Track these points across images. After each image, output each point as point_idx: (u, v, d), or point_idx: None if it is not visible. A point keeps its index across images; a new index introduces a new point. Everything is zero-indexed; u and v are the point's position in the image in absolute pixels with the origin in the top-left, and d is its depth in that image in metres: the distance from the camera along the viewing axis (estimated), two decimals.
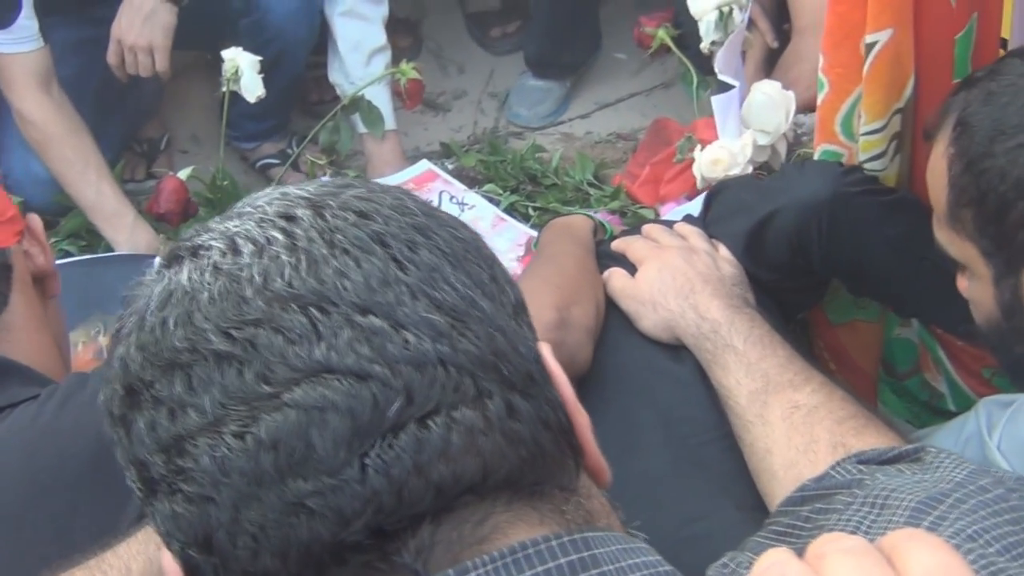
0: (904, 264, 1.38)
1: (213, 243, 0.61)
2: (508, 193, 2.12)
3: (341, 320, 0.57)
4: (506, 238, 2.02)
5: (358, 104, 2.14)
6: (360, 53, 2.15)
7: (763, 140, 1.61)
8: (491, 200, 2.09)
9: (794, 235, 1.35)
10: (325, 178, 0.67)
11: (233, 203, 1.83)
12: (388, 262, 0.59)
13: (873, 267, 1.39)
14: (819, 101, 1.40)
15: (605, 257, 1.41)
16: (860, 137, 1.36)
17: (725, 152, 1.64)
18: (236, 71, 1.91)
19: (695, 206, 1.79)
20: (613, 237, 1.46)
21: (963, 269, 1.16)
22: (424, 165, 2.19)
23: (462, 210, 2.09)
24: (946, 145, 1.11)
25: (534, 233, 2.00)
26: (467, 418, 0.56)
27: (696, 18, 1.72)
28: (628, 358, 1.30)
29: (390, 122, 2.19)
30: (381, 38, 2.19)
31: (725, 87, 1.68)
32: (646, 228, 1.43)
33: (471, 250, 0.63)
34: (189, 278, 0.59)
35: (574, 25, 2.47)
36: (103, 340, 1.57)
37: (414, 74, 2.15)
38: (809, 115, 1.70)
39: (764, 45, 2.02)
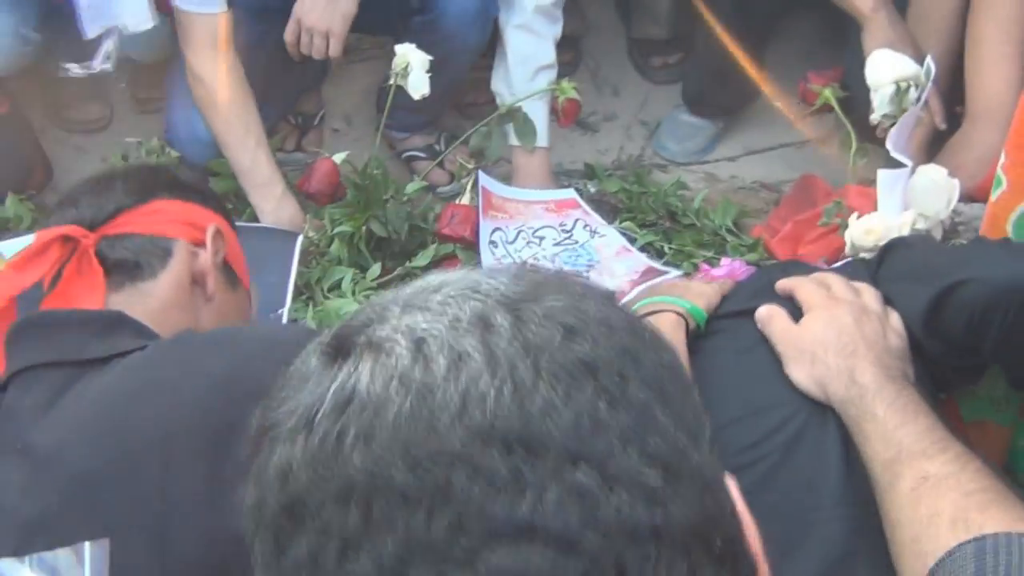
0: None
1: (397, 343, 0.53)
2: (645, 231, 2.12)
3: (549, 472, 0.49)
4: (626, 265, 2.03)
5: (515, 115, 2.16)
6: (527, 68, 2.17)
7: (921, 224, 1.59)
8: (627, 236, 2.09)
9: (978, 312, 1.27)
10: (510, 266, 0.59)
11: (382, 193, 1.87)
12: (599, 398, 0.52)
13: None
14: (993, 198, 1.38)
15: (764, 293, 1.39)
16: None
17: (882, 225, 1.61)
18: (406, 67, 1.95)
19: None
20: (705, 324, 1.39)
21: None
22: (570, 192, 2.21)
23: (592, 236, 2.10)
24: None
25: (655, 263, 1.99)
26: None
27: (871, 88, 1.70)
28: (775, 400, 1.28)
29: (543, 139, 2.21)
30: (550, 56, 2.21)
31: (890, 162, 1.67)
32: (821, 275, 1.37)
33: (675, 379, 0.56)
34: (370, 385, 0.52)
35: (738, 67, 2.46)
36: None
37: (573, 93, 2.17)
38: (970, 205, 1.67)
39: (932, 125, 1.99)
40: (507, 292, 0.55)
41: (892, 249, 1.43)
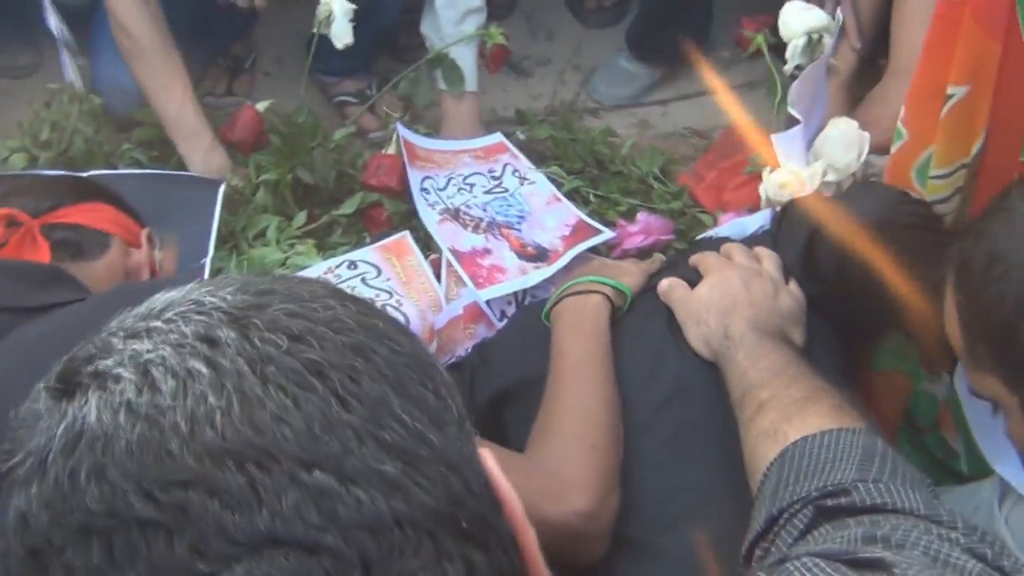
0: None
1: (123, 372, 0.53)
2: (572, 177, 2.14)
3: (285, 479, 0.50)
4: (556, 216, 2.04)
5: (442, 60, 2.16)
6: (455, 11, 2.15)
7: (832, 176, 1.62)
8: (554, 181, 2.11)
9: (840, 250, 1.36)
10: (235, 278, 0.59)
11: (309, 141, 1.88)
12: (329, 399, 0.52)
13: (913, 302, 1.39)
14: (893, 149, 1.41)
15: (678, 266, 1.45)
16: (928, 180, 1.38)
17: (794, 178, 1.64)
18: (329, 15, 1.94)
19: (755, 220, 1.81)
20: (632, 303, 1.47)
21: (999, 409, 1.17)
22: (497, 137, 2.21)
23: (521, 184, 2.11)
24: (952, 292, 1.14)
25: (584, 217, 2.02)
26: None
27: (785, 40, 1.72)
28: (687, 370, 1.33)
29: (472, 84, 2.20)
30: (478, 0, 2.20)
31: (792, 120, 1.69)
32: (726, 246, 1.46)
33: (412, 366, 0.57)
34: (99, 418, 0.52)
35: (684, 14, 2.45)
36: (158, 255, 1.62)
37: (500, 39, 2.17)
38: (881, 157, 1.69)
39: (848, 74, 2.01)
40: (232, 305, 0.55)
41: (785, 210, 1.52)
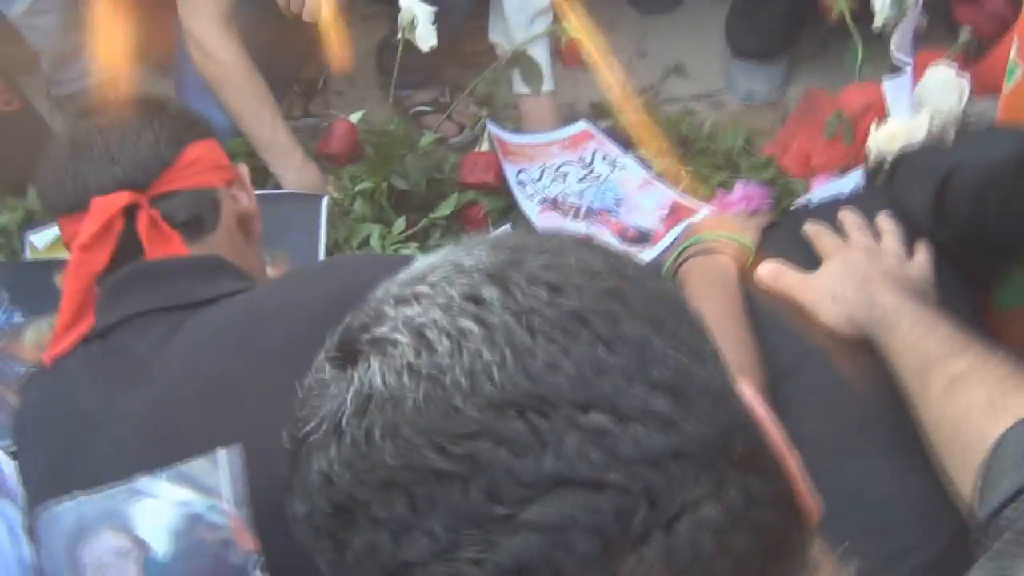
0: None
1: (399, 337, 0.56)
2: (660, 159, 2.15)
3: (564, 423, 0.53)
4: (651, 198, 2.06)
5: (521, 60, 2.19)
6: (525, 14, 2.18)
7: (938, 120, 1.63)
8: (643, 164, 2.13)
9: (974, 194, 1.36)
10: (483, 240, 0.62)
11: (400, 148, 1.89)
12: (595, 344, 0.55)
13: None
14: (1008, 86, 1.42)
15: (786, 239, 1.45)
16: None
17: (904, 128, 1.65)
18: (412, 20, 1.97)
19: (849, 181, 1.82)
20: (757, 261, 1.45)
21: None
22: (581, 125, 2.24)
23: (613, 169, 2.13)
24: None
25: (679, 197, 2.04)
26: (712, 516, 0.53)
27: None
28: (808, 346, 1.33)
29: (549, 82, 2.23)
30: (545, 0, 2.23)
31: (891, 68, 1.70)
32: (843, 217, 1.44)
33: (666, 304, 0.59)
34: (384, 381, 0.55)
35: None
36: (270, 271, 1.66)
37: (576, 33, 2.19)
38: (982, 99, 1.70)
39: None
40: (489, 264, 0.58)
41: (899, 163, 1.52)
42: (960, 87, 1.66)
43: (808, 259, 1.41)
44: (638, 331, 0.56)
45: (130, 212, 1.25)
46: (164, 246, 1.25)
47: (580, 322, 0.55)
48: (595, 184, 2.10)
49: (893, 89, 1.65)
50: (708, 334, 0.61)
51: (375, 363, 0.56)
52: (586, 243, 0.62)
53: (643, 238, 1.95)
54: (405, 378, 0.55)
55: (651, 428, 0.53)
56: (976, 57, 1.86)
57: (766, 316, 1.39)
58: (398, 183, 2.09)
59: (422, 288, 0.58)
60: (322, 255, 1.93)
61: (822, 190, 1.91)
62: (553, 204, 2.03)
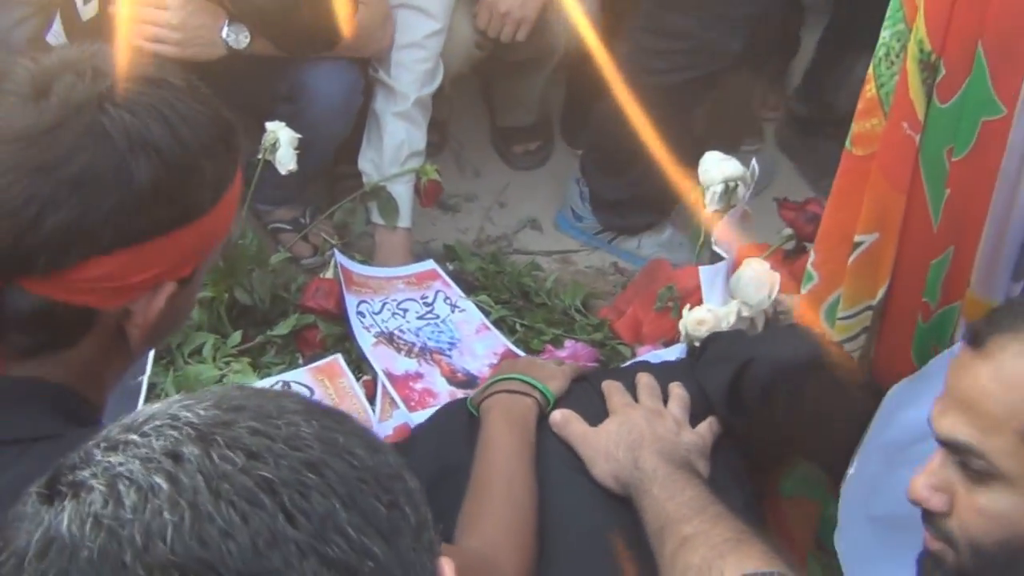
0: (855, 443, 1.49)
1: (95, 484, 0.59)
2: (499, 306, 2.24)
3: None
4: (485, 344, 2.14)
5: (379, 193, 2.27)
6: (400, 152, 2.28)
7: (746, 312, 1.74)
8: (483, 309, 2.21)
9: (766, 386, 1.48)
10: (216, 392, 0.65)
11: (249, 263, 1.89)
12: (277, 515, 0.57)
13: (826, 437, 1.50)
14: (804, 290, 1.54)
15: (583, 392, 1.54)
16: (836, 321, 1.50)
17: (711, 316, 1.76)
18: (275, 143, 2.03)
19: (671, 352, 1.92)
20: (557, 404, 1.55)
21: (984, 482, 1.07)
22: (429, 264, 2.31)
23: (452, 311, 2.20)
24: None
25: (512, 347, 2.12)
26: None
27: (704, 187, 1.86)
28: (580, 498, 1.41)
29: (406, 219, 2.32)
30: (423, 143, 2.33)
31: (717, 257, 1.82)
32: (639, 377, 1.55)
33: (367, 479, 0.61)
34: (69, 528, 0.57)
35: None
36: None
37: (435, 175, 2.29)
38: (789, 297, 1.83)
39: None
40: (202, 421, 0.61)
41: (708, 342, 1.62)
42: (771, 282, 1.79)
43: (604, 412, 1.50)
44: (325, 506, 0.59)
45: None
46: None
47: (268, 492, 0.58)
48: (433, 323, 2.16)
49: (709, 276, 1.77)
50: (418, 510, 0.64)
51: (68, 507, 0.58)
52: (311, 410, 0.64)
53: (470, 382, 2.01)
54: (87, 527, 0.57)
55: None
56: (794, 256, 2.00)
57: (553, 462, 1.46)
58: (242, 297, 2.12)
59: (133, 436, 0.61)
60: (151, 361, 1.92)
61: (647, 357, 2.01)
62: (389, 339, 2.08)
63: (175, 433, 0.60)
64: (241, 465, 0.58)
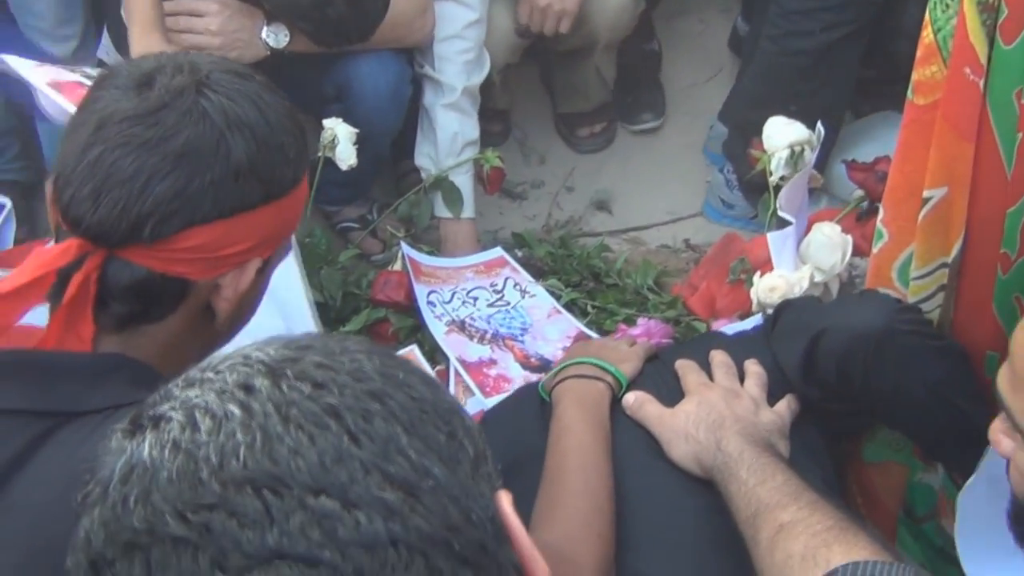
0: (938, 408, 1.45)
1: (173, 415, 0.63)
2: (570, 290, 2.22)
3: (294, 502, 0.59)
4: (557, 328, 2.13)
5: (442, 184, 2.27)
6: (456, 143, 2.29)
7: (819, 277, 1.70)
8: (553, 293, 2.19)
9: (841, 358, 1.43)
10: (285, 338, 0.69)
11: (319, 261, 1.91)
12: (342, 436, 0.61)
13: (908, 405, 1.46)
14: (875, 250, 1.49)
15: (656, 373, 1.52)
16: (910, 280, 1.45)
17: (783, 281, 1.73)
18: (333, 139, 2.04)
19: (747, 325, 1.88)
20: (628, 388, 1.52)
21: (1016, 439, 1.08)
22: (497, 252, 2.31)
23: (523, 297, 2.19)
24: None
25: (584, 329, 2.10)
26: None
27: (769, 153, 1.82)
28: (658, 480, 1.39)
29: (469, 209, 2.32)
30: (476, 132, 2.33)
31: (784, 223, 1.78)
32: (713, 355, 1.52)
33: (427, 410, 0.65)
34: (150, 453, 0.62)
35: None
36: None
37: (497, 162, 2.28)
38: (864, 259, 1.78)
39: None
40: (271, 359, 0.66)
41: (780, 312, 1.58)
42: (843, 246, 1.75)
43: (679, 393, 1.48)
44: (388, 430, 0.63)
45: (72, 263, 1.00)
46: (72, 327, 1.01)
47: (333, 416, 0.62)
48: (504, 310, 2.15)
49: (778, 242, 1.74)
50: (476, 443, 0.67)
51: (149, 437, 0.63)
52: (371, 349, 0.69)
53: (545, 366, 2.00)
54: (167, 452, 0.62)
55: (375, 515, 0.60)
56: (867, 218, 1.95)
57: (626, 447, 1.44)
58: (313, 295, 2.13)
59: (208, 374, 0.66)
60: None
61: (727, 328, 1.97)
62: (460, 327, 2.08)
63: (247, 369, 0.65)
64: (308, 393, 0.63)
